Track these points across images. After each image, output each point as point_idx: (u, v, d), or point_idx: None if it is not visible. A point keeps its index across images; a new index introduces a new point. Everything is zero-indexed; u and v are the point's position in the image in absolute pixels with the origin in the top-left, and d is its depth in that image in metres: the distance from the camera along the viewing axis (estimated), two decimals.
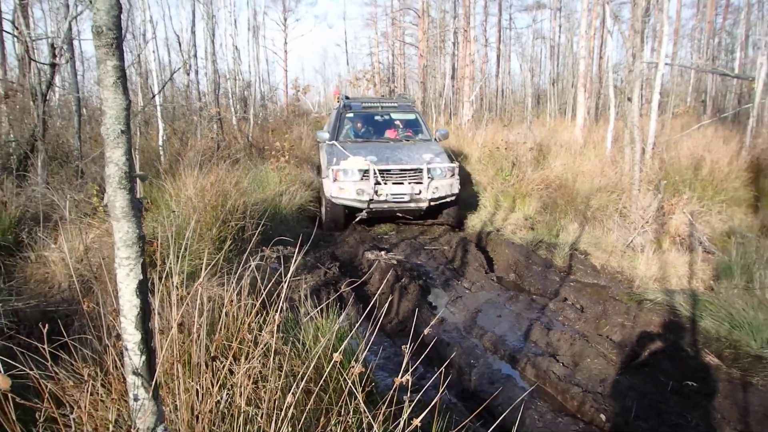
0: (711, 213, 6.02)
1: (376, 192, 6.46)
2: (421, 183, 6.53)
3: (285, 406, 1.62)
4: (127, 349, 1.46)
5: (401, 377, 1.68)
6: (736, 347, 3.51)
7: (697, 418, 2.77)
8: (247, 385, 1.81)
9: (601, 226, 6.07)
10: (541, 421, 2.75)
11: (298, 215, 6.91)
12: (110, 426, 1.71)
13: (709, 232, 5.61)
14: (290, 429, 1.68)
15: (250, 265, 2.32)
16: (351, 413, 1.92)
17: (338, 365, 2.22)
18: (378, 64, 28.87)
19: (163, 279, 2.02)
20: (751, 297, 3.89)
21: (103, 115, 1.34)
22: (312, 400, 1.91)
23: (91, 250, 3.60)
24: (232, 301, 2.27)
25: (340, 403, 1.88)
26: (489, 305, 4.45)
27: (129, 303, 1.43)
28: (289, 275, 2.05)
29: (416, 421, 1.58)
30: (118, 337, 1.87)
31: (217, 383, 1.80)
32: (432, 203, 6.66)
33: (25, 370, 1.62)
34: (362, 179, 6.47)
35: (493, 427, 1.94)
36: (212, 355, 1.95)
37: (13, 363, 1.62)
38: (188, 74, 10.66)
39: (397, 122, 8.10)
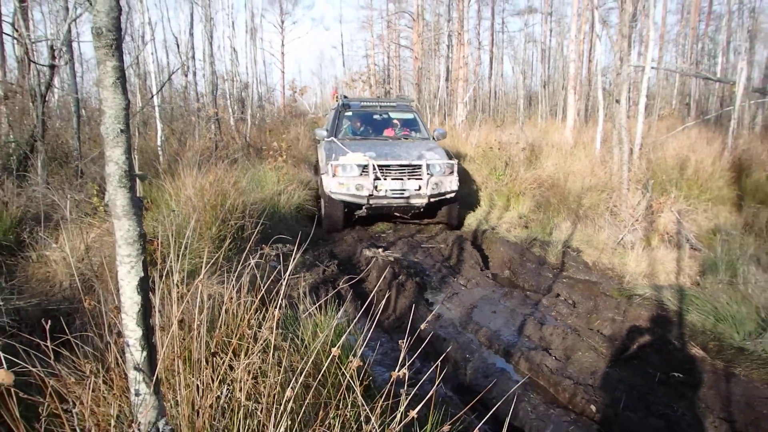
0: (697, 211, 6.12)
1: (375, 187, 6.39)
2: (421, 179, 6.47)
3: (284, 401, 1.62)
4: (128, 345, 1.47)
5: (398, 371, 1.70)
6: (720, 340, 3.61)
7: (683, 408, 2.85)
8: (247, 380, 1.84)
9: (593, 224, 6.16)
10: (534, 412, 2.81)
11: (296, 214, 6.93)
12: (112, 421, 1.74)
13: (695, 230, 5.70)
14: (289, 423, 1.70)
15: (249, 263, 2.36)
16: (349, 407, 1.95)
17: (336, 360, 2.27)
18: (374, 66, 28.88)
19: (164, 277, 2.06)
20: (735, 292, 3.98)
21: (103, 115, 1.35)
22: (311, 394, 1.94)
23: (92, 249, 3.63)
24: (231, 298, 2.30)
25: (338, 397, 1.91)
26: (484, 301, 4.52)
27: (130, 300, 1.44)
28: (288, 273, 2.10)
29: (413, 413, 1.62)
30: (120, 334, 1.90)
31: (217, 378, 1.82)
32: (431, 200, 6.60)
33: (27, 367, 1.63)
34: (361, 175, 6.40)
35: (486, 418, 1.99)
36: (212, 351, 1.98)
37: (15, 360, 1.63)
38: (186, 75, 10.68)
39: (395, 121, 8.09)
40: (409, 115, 8.23)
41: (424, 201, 6.57)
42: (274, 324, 1.97)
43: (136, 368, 1.48)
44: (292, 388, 1.64)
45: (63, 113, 9.21)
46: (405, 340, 1.82)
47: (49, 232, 3.95)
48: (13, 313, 2.89)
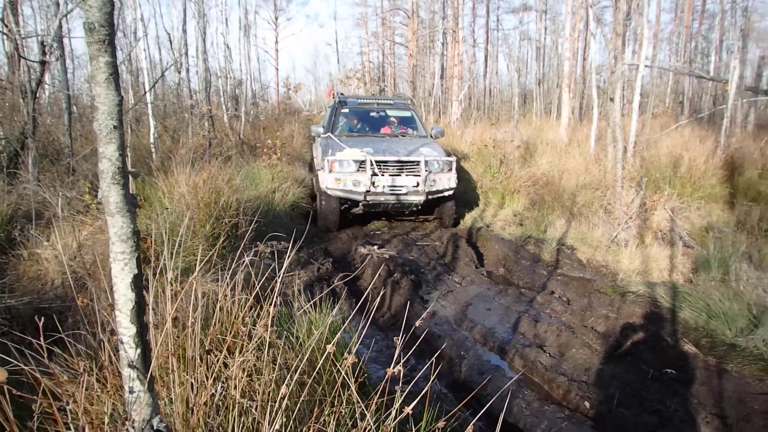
0: (690, 209, 6.17)
1: (372, 183, 6.28)
2: (419, 176, 6.38)
3: (279, 398, 1.63)
4: (122, 343, 1.46)
5: (393, 367, 1.71)
6: (712, 336, 3.64)
7: (675, 404, 2.87)
8: (242, 377, 1.83)
9: (587, 221, 6.18)
10: (528, 409, 2.83)
11: (291, 212, 6.91)
12: (106, 419, 1.73)
13: (688, 228, 5.74)
14: (284, 420, 1.70)
15: (244, 261, 2.35)
16: (344, 404, 1.95)
17: (331, 357, 2.27)
18: (368, 64, 28.93)
19: (157, 275, 2.05)
20: (727, 289, 4.02)
21: (96, 111, 1.34)
22: (306, 391, 1.94)
23: (84, 247, 3.61)
24: (226, 296, 2.30)
25: (333, 394, 1.91)
26: (479, 299, 4.53)
27: (124, 297, 1.43)
28: (282, 270, 2.09)
29: (408, 409, 1.62)
30: (113, 332, 1.89)
31: (212, 376, 1.82)
32: (429, 197, 6.51)
33: (20, 365, 1.63)
34: (358, 170, 6.32)
35: (479, 414, 2.00)
36: (207, 348, 1.98)
37: (7, 359, 1.62)
38: (179, 72, 10.62)
39: (393, 119, 8.04)
40: (407, 113, 8.17)
41: (422, 198, 6.48)
42: (269, 321, 1.96)
43: (130, 365, 1.47)
44: (287, 385, 1.64)
45: (54, 110, 9.12)
46: (400, 338, 1.82)
47: (41, 229, 3.92)
48: (5, 311, 2.86)
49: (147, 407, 1.51)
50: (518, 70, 22.97)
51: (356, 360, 1.84)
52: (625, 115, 8.73)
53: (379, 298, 4.28)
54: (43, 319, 1.69)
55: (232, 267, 2.35)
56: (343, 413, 1.96)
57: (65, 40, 6.83)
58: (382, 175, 6.34)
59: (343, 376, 1.83)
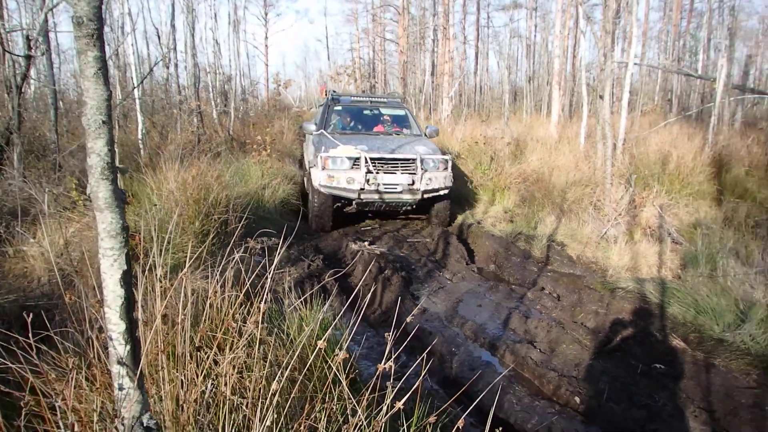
0: (678, 206, 6.23)
1: (367, 181, 6.14)
2: (415, 174, 6.26)
3: (270, 395, 1.62)
4: (111, 340, 1.45)
5: (384, 363, 1.70)
6: (700, 331, 3.68)
7: (664, 398, 2.90)
8: (232, 374, 1.82)
9: (577, 218, 6.23)
10: (519, 404, 2.84)
11: (281, 209, 6.88)
12: (95, 416, 1.71)
13: (677, 224, 5.80)
14: (275, 416, 1.70)
15: (234, 257, 2.33)
16: (335, 400, 1.95)
17: (322, 354, 2.26)
18: (359, 60, 28.87)
19: (146, 272, 2.03)
20: (715, 284, 4.07)
21: (84, 106, 1.32)
22: (296, 388, 1.94)
23: (72, 244, 3.56)
24: (216, 292, 2.28)
25: (324, 391, 1.91)
26: (470, 295, 4.54)
27: (113, 293, 1.42)
28: (273, 267, 2.08)
29: (399, 404, 1.62)
30: (101, 329, 1.87)
31: (202, 373, 1.81)
32: (425, 196, 6.39)
33: (6, 363, 1.61)
34: (353, 168, 6.18)
35: (469, 409, 2.01)
36: (197, 345, 1.97)
37: None
38: (168, 68, 10.51)
39: (386, 117, 7.94)
40: (400, 112, 8.06)
41: (417, 197, 6.37)
42: (260, 318, 1.95)
43: (119, 362, 1.46)
44: (277, 381, 1.63)
45: (40, 105, 9.00)
46: (391, 334, 1.82)
47: (27, 226, 3.86)
48: None
49: (137, 404, 1.50)
50: (509, 67, 23.06)
51: (347, 356, 1.84)
52: (615, 113, 8.82)
53: (370, 295, 4.28)
54: (31, 315, 1.67)
55: (222, 264, 2.33)
56: (334, 409, 1.96)
57: (51, 35, 6.73)
58: (377, 173, 6.20)
59: (334, 373, 1.83)
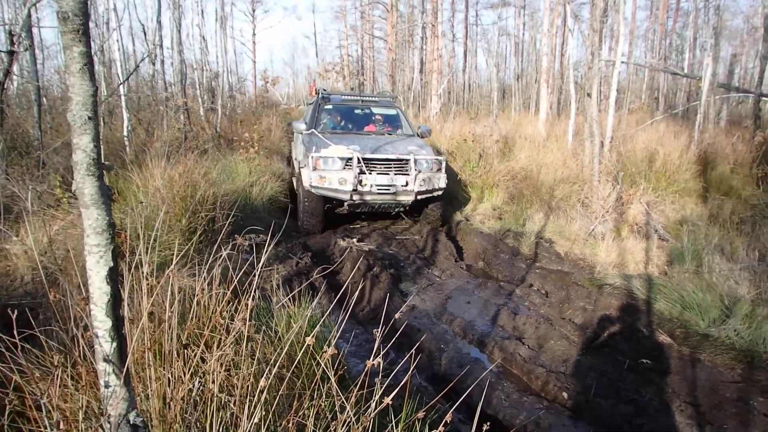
0: (665, 203, 6.31)
1: (360, 182, 6.01)
2: (408, 175, 6.14)
3: (258, 392, 1.62)
4: (97, 337, 1.44)
5: (372, 359, 1.70)
6: (686, 327, 3.74)
7: (651, 393, 2.94)
8: (220, 372, 1.81)
9: (565, 215, 6.28)
10: (507, 400, 2.86)
11: (269, 206, 6.82)
12: (80, 415, 1.69)
13: (663, 221, 5.87)
14: (263, 414, 1.69)
15: (221, 255, 2.31)
16: (324, 397, 1.95)
17: (311, 350, 2.25)
18: (347, 57, 28.82)
19: (132, 269, 2.00)
20: (701, 280, 4.13)
21: (70, 102, 1.31)
22: (285, 385, 1.93)
23: (56, 242, 3.51)
24: (203, 289, 2.26)
25: (312, 387, 1.91)
26: (458, 292, 4.56)
27: (99, 290, 1.41)
28: (260, 264, 2.06)
29: (387, 399, 1.62)
30: (86, 328, 1.85)
31: (189, 371, 1.79)
32: (419, 197, 6.26)
33: None
34: (345, 168, 6.01)
35: (456, 404, 2.01)
36: (184, 343, 1.95)
37: None
38: (154, 64, 10.36)
39: (377, 117, 7.83)
40: (392, 111, 7.93)
41: (411, 198, 6.23)
42: (247, 315, 1.94)
43: (105, 360, 1.45)
44: (265, 378, 1.63)
45: (23, 102, 8.84)
46: (379, 331, 1.82)
47: (10, 224, 3.80)
48: None
49: (123, 402, 1.49)
50: (497, 65, 23.15)
51: (336, 353, 1.83)
52: (602, 111, 8.88)
53: (358, 292, 4.28)
54: (16, 312, 1.64)
55: (210, 261, 2.31)
56: (322, 406, 1.95)
57: (34, 30, 6.61)
58: (370, 174, 6.07)
59: (323, 369, 1.82)
